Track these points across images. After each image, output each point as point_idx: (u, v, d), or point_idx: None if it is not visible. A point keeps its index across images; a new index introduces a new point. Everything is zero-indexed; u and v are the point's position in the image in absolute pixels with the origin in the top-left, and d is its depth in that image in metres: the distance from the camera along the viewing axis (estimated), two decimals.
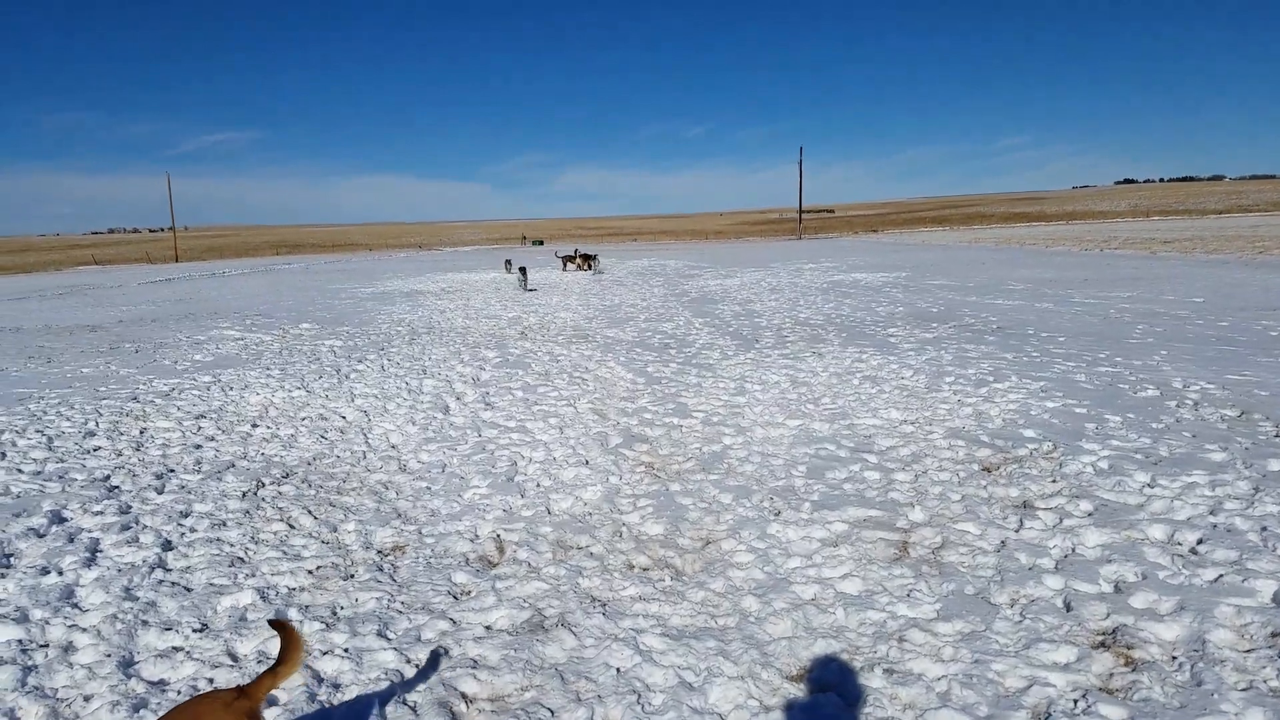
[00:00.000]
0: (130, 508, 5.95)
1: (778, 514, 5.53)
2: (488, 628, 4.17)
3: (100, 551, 5.16)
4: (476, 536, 5.38)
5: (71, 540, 5.32)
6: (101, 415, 8.93)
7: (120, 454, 7.41)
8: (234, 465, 7.01)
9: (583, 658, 3.84)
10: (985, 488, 5.82)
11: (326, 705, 3.49)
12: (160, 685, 3.69)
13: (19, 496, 6.25)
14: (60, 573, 4.83)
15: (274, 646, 3.95)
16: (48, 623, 4.25)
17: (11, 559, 5.06)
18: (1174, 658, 3.58)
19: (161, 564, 4.98)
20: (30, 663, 3.87)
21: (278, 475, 6.71)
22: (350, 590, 4.60)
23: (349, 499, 6.14)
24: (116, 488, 6.44)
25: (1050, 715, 3.23)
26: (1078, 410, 7.70)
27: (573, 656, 3.86)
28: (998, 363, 10.22)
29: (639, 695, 3.49)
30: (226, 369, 11.84)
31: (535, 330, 15.53)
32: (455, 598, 4.51)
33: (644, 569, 4.81)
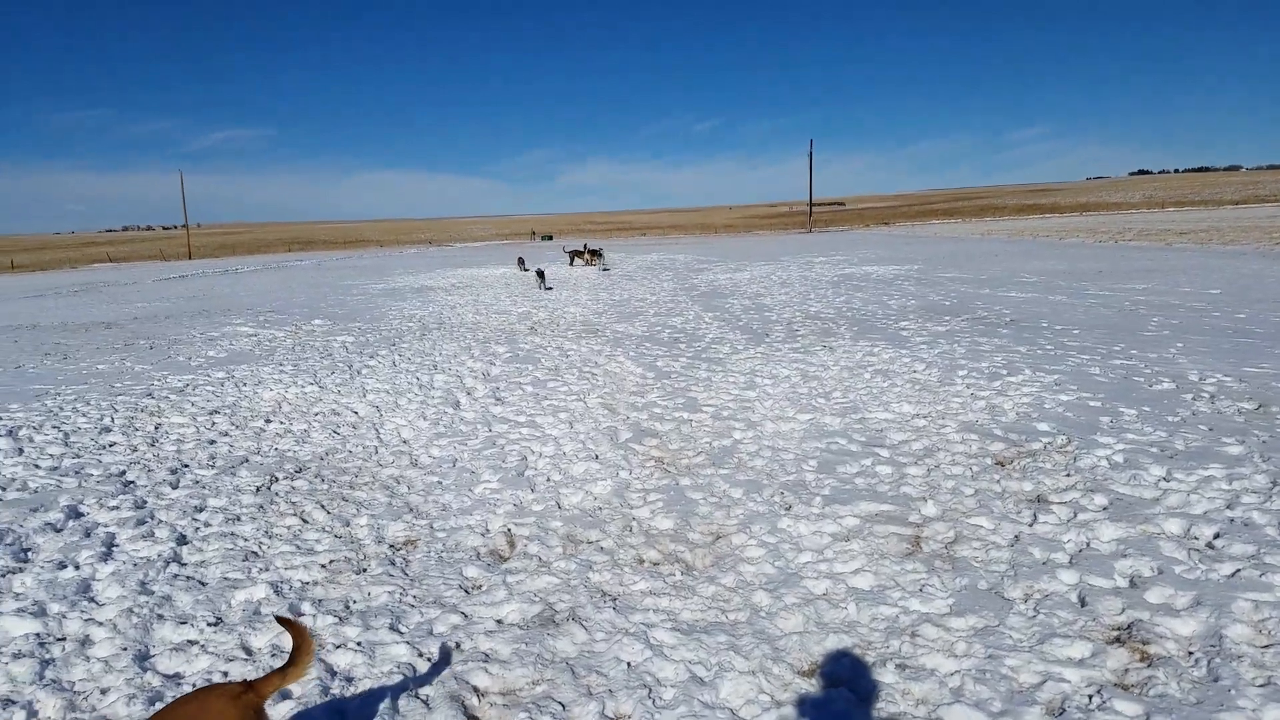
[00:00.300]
0: (145, 502, 5.99)
1: (789, 508, 5.51)
2: (499, 621, 4.17)
3: (116, 546, 5.20)
4: (487, 531, 5.39)
5: (88, 535, 5.36)
6: (117, 411, 8.98)
7: (135, 449, 7.45)
8: (248, 460, 7.04)
9: (593, 652, 3.84)
10: (999, 482, 5.78)
11: (340, 698, 3.50)
12: (175, 678, 3.71)
13: (36, 491, 6.30)
14: (77, 567, 4.87)
15: (287, 641, 3.97)
16: (65, 616, 4.28)
17: (29, 553, 5.10)
18: (1190, 653, 3.55)
19: (176, 558, 5.00)
20: (48, 656, 3.90)
21: (291, 470, 6.74)
22: (363, 584, 4.61)
23: (361, 494, 6.16)
24: (132, 483, 6.48)
25: (1065, 711, 3.21)
26: (1092, 403, 7.65)
27: (583, 651, 3.86)
28: (1011, 356, 10.17)
29: (650, 689, 3.49)
30: (240, 365, 11.89)
31: (545, 325, 15.54)
32: (466, 592, 4.52)
33: (654, 563, 4.80)
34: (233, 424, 8.32)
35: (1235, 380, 8.26)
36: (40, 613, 4.31)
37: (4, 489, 6.35)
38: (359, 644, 3.95)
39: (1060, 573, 4.35)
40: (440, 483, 6.37)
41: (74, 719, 3.42)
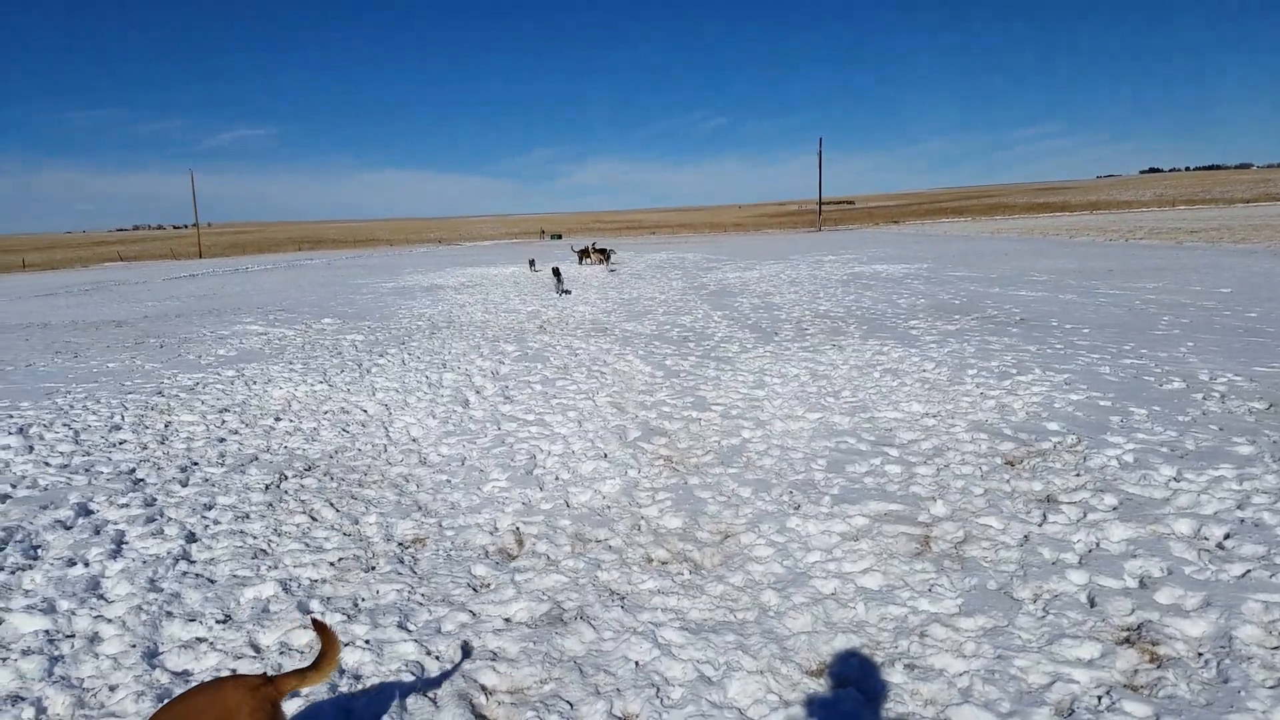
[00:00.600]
0: (155, 500, 6.01)
1: (797, 508, 5.50)
2: (507, 620, 4.18)
3: (125, 543, 5.22)
4: (496, 529, 5.39)
5: (97, 532, 5.39)
6: (127, 409, 9.02)
7: (145, 447, 7.48)
8: (257, 458, 7.07)
9: (601, 651, 3.84)
10: (1008, 481, 5.77)
11: (348, 696, 3.51)
12: (184, 675, 3.73)
13: (46, 489, 6.33)
14: (86, 564, 4.89)
15: (296, 638, 4.00)
16: (74, 613, 4.30)
17: (39, 550, 5.13)
18: (1200, 654, 3.54)
19: (185, 556, 5.03)
20: (57, 653, 3.92)
21: (300, 468, 6.76)
22: (371, 582, 4.62)
23: (370, 492, 6.17)
24: (141, 480, 6.51)
25: (1074, 712, 3.20)
26: (1102, 403, 7.62)
27: (591, 649, 3.86)
28: (1021, 355, 10.13)
29: (658, 689, 3.49)
30: (250, 363, 11.93)
31: (554, 324, 15.55)
32: (475, 590, 4.53)
33: (663, 562, 4.80)
34: (242, 422, 8.35)
35: (1246, 380, 8.21)
36: (49, 610, 4.34)
37: (14, 486, 6.38)
38: (367, 642, 3.96)
39: (1070, 573, 4.34)
40: (449, 481, 6.38)
41: (83, 716, 3.43)
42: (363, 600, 4.43)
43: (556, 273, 22.54)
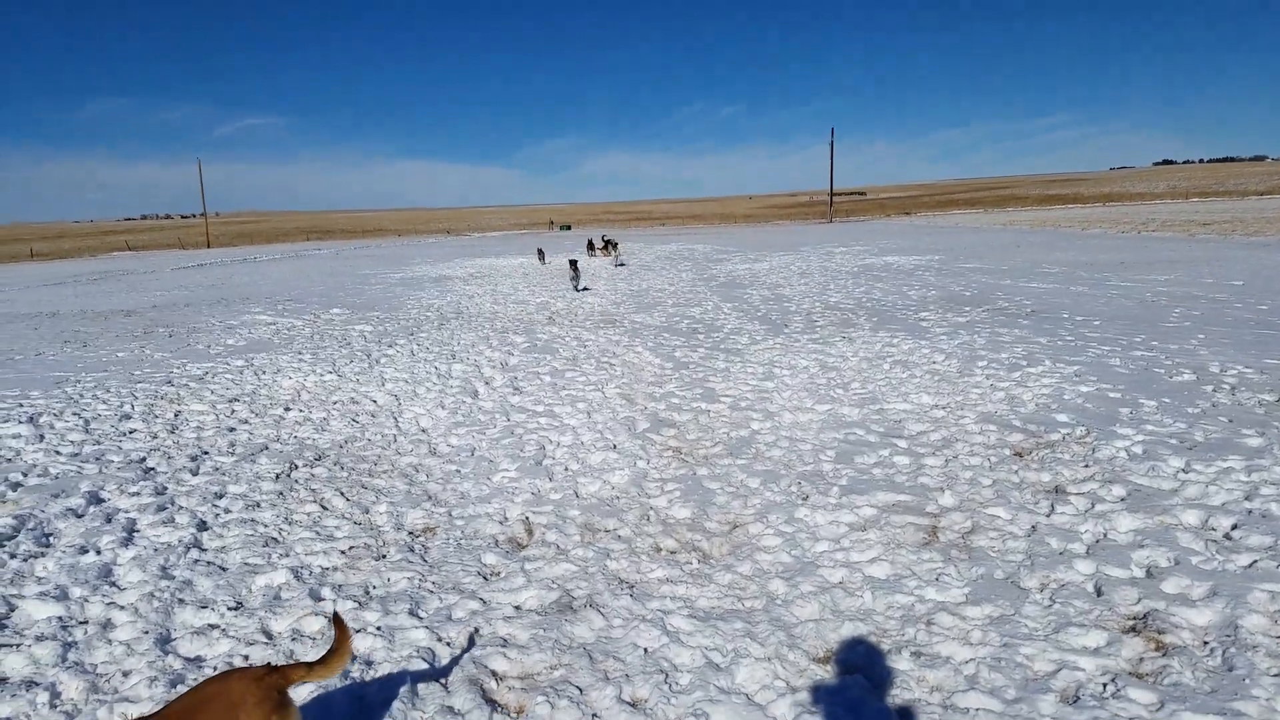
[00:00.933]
0: (166, 489, 6.06)
1: (806, 498, 5.52)
2: (517, 608, 4.21)
3: (137, 531, 5.27)
4: (506, 519, 5.42)
5: (109, 520, 5.43)
6: (137, 398, 9.08)
7: (155, 436, 7.54)
8: (267, 448, 7.11)
9: (611, 638, 3.87)
10: (1017, 472, 5.77)
11: (360, 682, 3.54)
12: (196, 661, 3.77)
13: (57, 477, 6.39)
14: (98, 552, 4.94)
15: (308, 625, 4.03)
16: (87, 600, 4.35)
17: (51, 538, 5.18)
18: (1205, 643, 3.55)
19: (197, 544, 5.07)
20: (70, 639, 3.97)
21: (310, 458, 6.80)
22: (382, 570, 4.66)
23: (380, 481, 6.21)
24: (152, 469, 6.56)
25: (1079, 699, 3.21)
26: (1112, 395, 7.61)
27: (601, 636, 3.89)
28: (1031, 347, 10.11)
29: (666, 675, 3.51)
30: (259, 353, 11.99)
31: (563, 315, 15.57)
32: (485, 578, 4.56)
33: (671, 552, 4.83)
34: (252, 412, 8.40)
35: (1256, 372, 8.19)
36: (62, 596, 4.38)
37: (25, 475, 6.44)
38: (379, 629, 3.99)
39: (1077, 563, 4.34)
40: (459, 471, 6.42)
41: (96, 700, 3.47)
42: (374, 588, 4.46)
43: (574, 264, 21.23)
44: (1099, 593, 4.05)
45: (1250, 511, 4.86)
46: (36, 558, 4.86)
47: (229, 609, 4.24)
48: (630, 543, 4.96)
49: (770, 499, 5.54)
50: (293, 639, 3.94)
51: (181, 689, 3.51)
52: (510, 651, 3.76)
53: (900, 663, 3.53)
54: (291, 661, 2.83)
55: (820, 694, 3.33)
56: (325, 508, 5.69)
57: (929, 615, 3.92)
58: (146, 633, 4.01)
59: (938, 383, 8.50)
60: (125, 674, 3.66)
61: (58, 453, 7.02)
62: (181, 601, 4.32)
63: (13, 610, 4.24)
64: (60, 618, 4.17)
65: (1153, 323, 11.50)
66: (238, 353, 12.14)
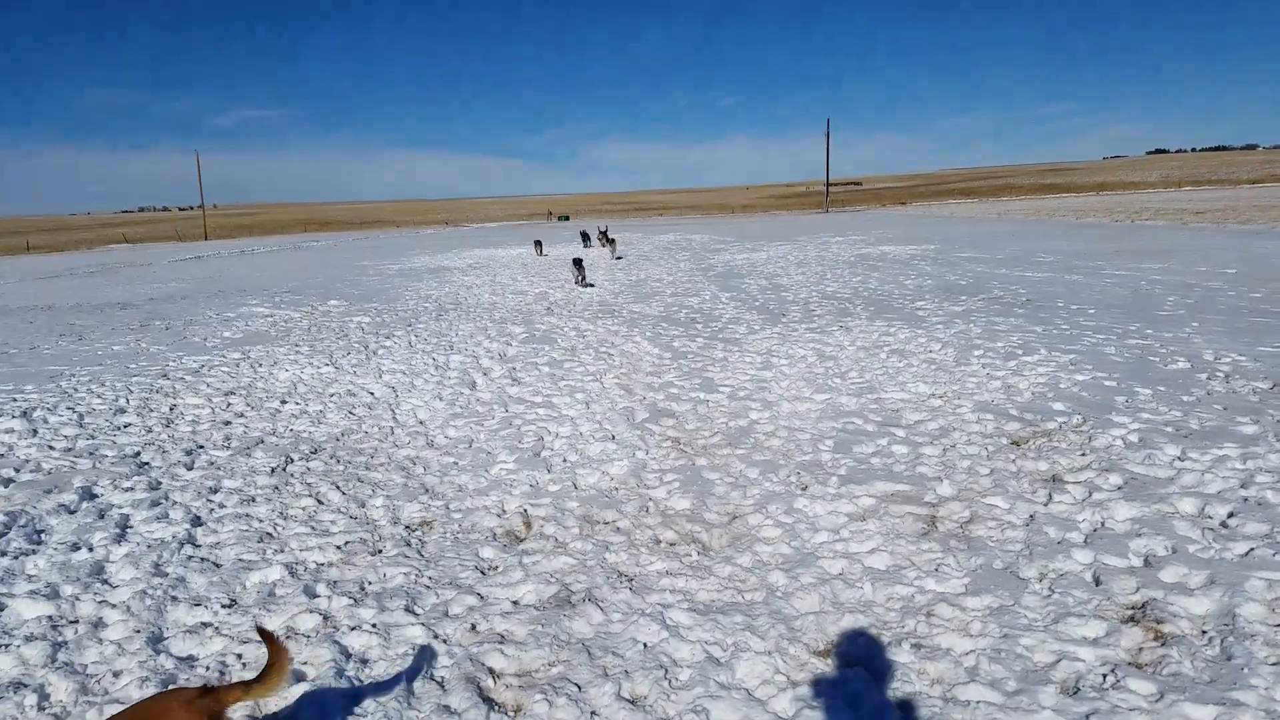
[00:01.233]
0: (160, 484, 6.03)
1: (805, 489, 5.50)
2: (515, 603, 4.19)
3: (130, 527, 5.24)
4: (504, 512, 5.40)
5: (102, 516, 5.40)
6: (132, 392, 9.04)
7: (150, 430, 7.50)
8: (263, 441, 7.08)
9: (610, 633, 3.85)
10: (1014, 461, 5.76)
11: (354, 680, 3.52)
12: (189, 661, 3.74)
13: (50, 473, 6.35)
14: (90, 549, 4.91)
15: (302, 622, 4.01)
16: (78, 599, 4.31)
17: (42, 535, 5.15)
18: (1204, 632, 3.54)
19: (191, 540, 5.04)
20: (60, 639, 3.93)
21: (306, 451, 6.77)
22: (378, 565, 4.63)
23: (377, 474, 6.18)
24: (146, 464, 6.52)
25: (1079, 689, 3.20)
26: (1107, 383, 7.59)
27: (600, 632, 3.87)
28: (1027, 336, 10.10)
29: (666, 670, 3.49)
30: (255, 346, 11.95)
31: (561, 306, 15.54)
32: (482, 573, 4.54)
33: (671, 544, 4.81)
34: (248, 405, 8.36)
35: (1250, 360, 8.18)
36: (53, 595, 4.34)
37: (18, 470, 6.40)
38: (374, 625, 3.97)
39: (1075, 552, 4.33)
40: (456, 464, 6.39)
41: (86, 702, 3.43)
42: (370, 583, 4.44)
43: (578, 264, 19.17)
44: (1097, 582, 4.03)
45: (1246, 499, 4.85)
46: (27, 555, 4.82)
47: (222, 606, 4.21)
48: (629, 535, 4.94)
49: (769, 489, 5.53)
50: (287, 636, 3.91)
51: (173, 689, 3.49)
52: (508, 648, 3.74)
53: (901, 655, 3.51)
54: (228, 682, 2.77)
55: (821, 688, 3.31)
56: (321, 502, 5.66)
57: (929, 606, 3.91)
58: (138, 632, 3.97)
59: (934, 372, 8.49)
60: (116, 674, 3.62)
61: (51, 448, 6.98)
62: (174, 599, 4.29)
63: (2, 609, 4.20)
64: (50, 617, 4.13)
65: (1147, 311, 11.50)
66: (234, 345, 12.09)
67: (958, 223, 41.79)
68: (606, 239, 31.68)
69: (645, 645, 3.71)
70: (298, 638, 3.89)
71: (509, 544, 4.91)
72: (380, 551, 4.84)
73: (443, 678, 3.53)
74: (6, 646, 3.84)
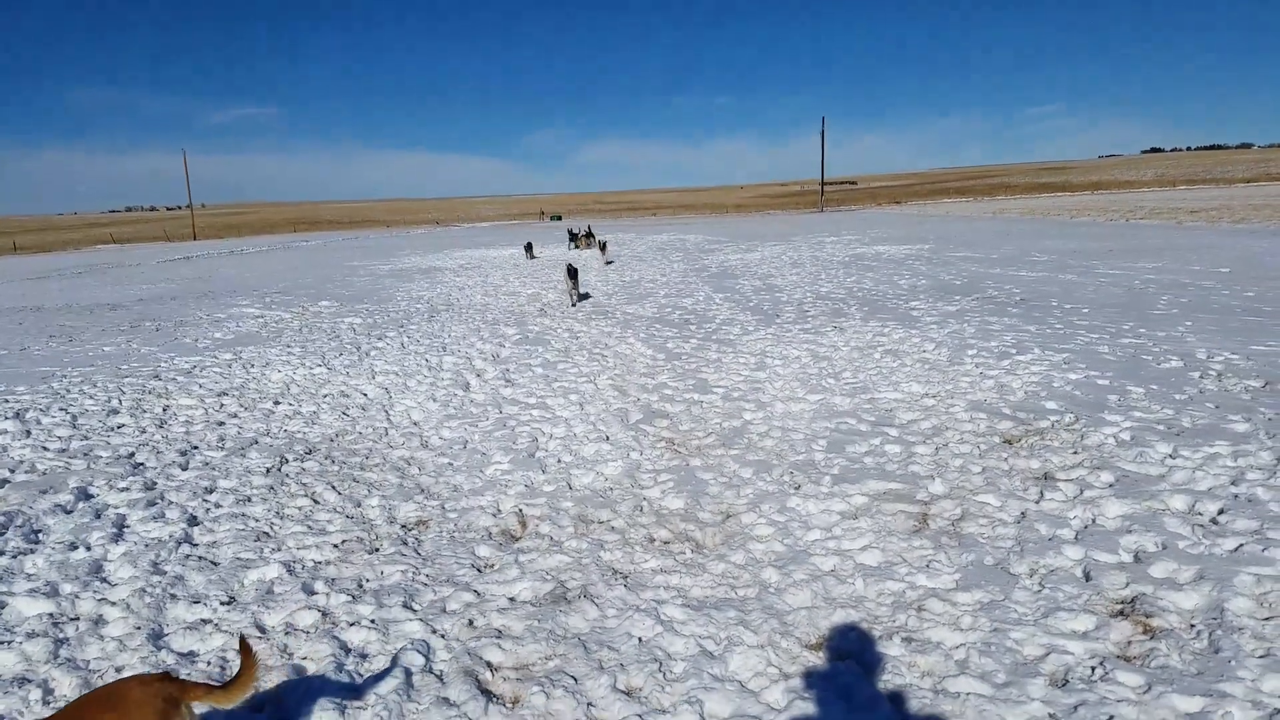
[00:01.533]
0: (155, 484, 6.05)
1: (798, 488, 5.54)
2: (511, 599, 4.22)
3: (127, 527, 5.25)
4: (499, 511, 5.43)
5: (98, 516, 5.42)
6: (124, 393, 9.04)
7: (144, 431, 7.51)
8: (257, 442, 7.10)
9: (605, 628, 3.88)
10: (1006, 460, 5.81)
11: (354, 674, 3.55)
12: (190, 656, 3.77)
13: (45, 473, 6.36)
14: (88, 548, 4.92)
15: (301, 619, 4.04)
16: (78, 597, 4.33)
17: (40, 535, 5.16)
18: (1192, 626, 3.59)
19: (188, 539, 5.06)
20: (61, 635, 3.96)
21: (301, 452, 6.79)
22: (375, 563, 4.66)
23: (372, 475, 6.21)
24: (141, 464, 6.54)
25: (1068, 682, 3.24)
26: (1100, 382, 7.65)
27: (595, 627, 3.90)
28: (1021, 335, 10.16)
29: (660, 664, 3.53)
30: (247, 346, 11.95)
31: (554, 307, 15.56)
32: (479, 570, 4.57)
33: (665, 542, 4.84)
34: (241, 406, 8.38)
35: (1243, 358, 8.25)
36: (53, 593, 4.37)
37: (12, 471, 6.41)
38: (372, 621, 4.00)
39: (1066, 548, 4.38)
40: (451, 464, 6.42)
41: None
42: (367, 581, 4.47)
43: (573, 275, 16.59)
44: (1088, 577, 4.08)
45: (1236, 496, 4.91)
46: (25, 554, 4.84)
47: (221, 604, 4.24)
48: (624, 534, 4.97)
49: (763, 488, 5.56)
50: (286, 632, 3.95)
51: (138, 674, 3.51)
52: (505, 643, 3.77)
53: (891, 649, 3.55)
54: (193, 679, 2.76)
55: (813, 680, 3.35)
56: (317, 501, 5.68)
57: (920, 601, 3.95)
58: (139, 628, 4.00)
59: (928, 371, 8.54)
60: (118, 670, 3.65)
61: (45, 448, 6.99)
62: (173, 597, 4.31)
63: (3, 607, 4.23)
64: (51, 614, 4.16)
65: (1141, 310, 11.57)
66: (226, 346, 12.09)
67: (953, 222, 41.93)
68: (590, 240, 31.34)
69: (640, 640, 3.74)
70: (297, 633, 3.92)
71: (505, 543, 4.94)
72: (377, 550, 4.87)
73: (441, 671, 3.57)
74: (9, 643, 3.87)
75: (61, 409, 8.36)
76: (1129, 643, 3.50)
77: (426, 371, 9.78)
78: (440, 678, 3.52)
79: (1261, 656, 3.30)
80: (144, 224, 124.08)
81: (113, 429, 7.60)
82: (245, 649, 2.83)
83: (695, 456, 6.32)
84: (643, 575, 4.41)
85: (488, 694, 3.41)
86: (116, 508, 5.57)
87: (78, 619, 4.13)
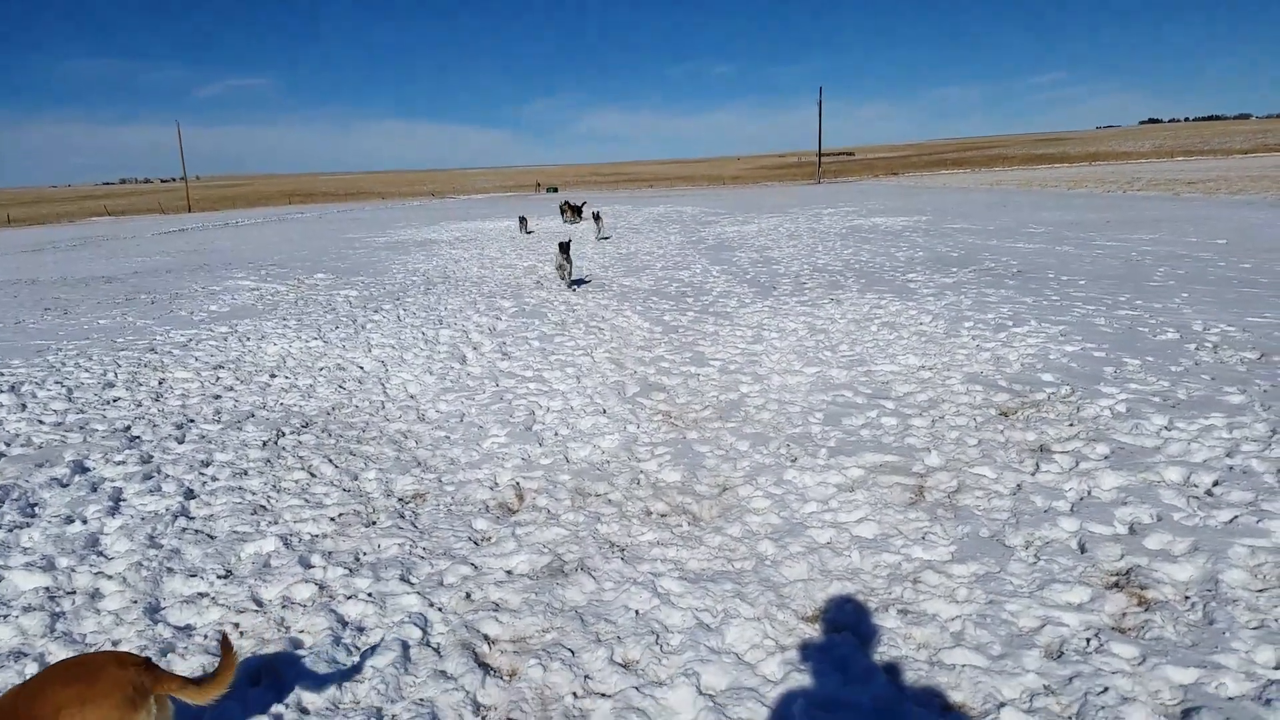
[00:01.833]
0: (151, 457, 6.04)
1: (794, 460, 5.55)
2: (509, 572, 4.23)
3: (123, 500, 5.25)
4: (496, 484, 5.43)
5: (94, 489, 5.42)
6: (120, 366, 9.02)
7: (140, 404, 7.50)
8: (253, 415, 7.09)
9: (602, 600, 3.90)
10: (1002, 432, 5.81)
11: (352, 647, 3.56)
12: (186, 630, 3.78)
13: (41, 447, 6.35)
14: (84, 521, 4.93)
15: (298, 592, 4.04)
16: (74, 570, 4.34)
17: (36, 508, 5.16)
18: (1187, 597, 3.60)
19: (184, 512, 5.06)
20: (58, 609, 3.96)
21: (297, 425, 6.78)
22: (372, 537, 4.67)
23: (369, 448, 6.20)
24: (137, 438, 6.53)
25: (1063, 654, 3.26)
26: (1096, 354, 7.65)
27: (592, 600, 3.92)
28: (1017, 307, 10.15)
29: (657, 636, 3.55)
30: (243, 319, 11.91)
31: (551, 280, 15.49)
32: (476, 544, 4.58)
33: (662, 515, 4.85)
34: (237, 379, 8.36)
35: (1239, 330, 8.24)
36: (49, 567, 4.37)
37: (8, 445, 6.41)
38: (370, 595, 4.01)
39: (1061, 520, 4.39)
40: (448, 437, 6.41)
41: None
42: (364, 554, 4.47)
43: (566, 252, 14.35)
44: (1083, 549, 4.10)
45: (1231, 468, 4.92)
46: (21, 528, 4.84)
47: (218, 577, 4.24)
48: (620, 507, 4.98)
49: (759, 461, 5.57)
50: (283, 605, 3.96)
51: (173, 657, 3.53)
52: (502, 616, 3.79)
53: (887, 620, 3.57)
54: (171, 670, 2.70)
55: (809, 652, 3.37)
56: (313, 475, 5.68)
57: (915, 574, 3.96)
58: (135, 602, 4.01)
59: (924, 344, 8.53)
60: (115, 643, 3.66)
61: (40, 422, 6.98)
62: (170, 570, 4.32)
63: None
64: (47, 588, 4.17)
65: (1137, 282, 11.55)
66: (221, 319, 12.05)
67: (950, 193, 41.76)
68: (577, 211, 30.88)
69: (637, 612, 3.76)
70: (294, 607, 3.93)
71: (502, 516, 4.95)
72: (374, 523, 4.87)
73: (439, 644, 3.58)
74: (5, 617, 3.88)
75: (57, 382, 8.33)
76: (1124, 615, 3.51)
77: (423, 344, 9.76)
78: (438, 650, 3.53)
79: (1255, 628, 3.31)
80: (138, 196, 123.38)
81: (108, 402, 7.59)
82: (226, 647, 2.79)
83: (692, 429, 6.32)
84: (640, 548, 4.42)
85: (485, 667, 3.42)
86: (113, 481, 5.57)
87: (74, 593, 4.14)
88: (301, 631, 3.71)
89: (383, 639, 3.62)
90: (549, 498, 5.15)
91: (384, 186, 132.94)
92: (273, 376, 8.42)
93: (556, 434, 6.36)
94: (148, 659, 2.66)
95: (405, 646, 3.55)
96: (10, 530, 4.81)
